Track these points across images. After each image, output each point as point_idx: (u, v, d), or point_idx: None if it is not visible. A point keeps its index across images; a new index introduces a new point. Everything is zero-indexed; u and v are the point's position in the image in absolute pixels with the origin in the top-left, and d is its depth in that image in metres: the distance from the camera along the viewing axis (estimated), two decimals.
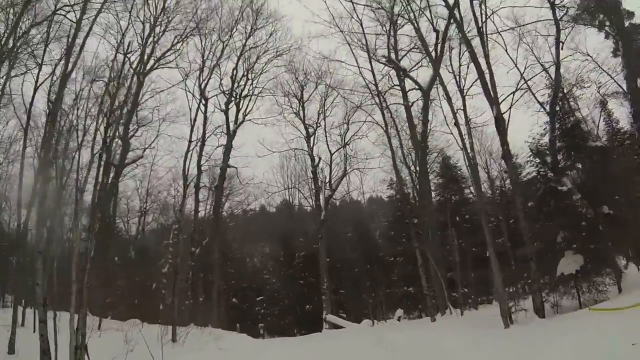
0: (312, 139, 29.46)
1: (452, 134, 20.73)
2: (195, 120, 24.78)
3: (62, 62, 14.28)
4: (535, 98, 18.69)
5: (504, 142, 14.89)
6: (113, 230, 29.13)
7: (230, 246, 37.48)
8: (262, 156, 30.63)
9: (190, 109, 25.27)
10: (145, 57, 22.47)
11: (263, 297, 34.33)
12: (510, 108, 17.06)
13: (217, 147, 27.31)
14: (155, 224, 35.89)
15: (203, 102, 26.36)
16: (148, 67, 23.22)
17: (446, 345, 11.10)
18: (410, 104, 23.81)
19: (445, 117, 24.79)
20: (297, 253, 32.66)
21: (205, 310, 24.73)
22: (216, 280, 26.48)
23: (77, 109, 13.93)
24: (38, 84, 17.62)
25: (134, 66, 21.04)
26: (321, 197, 28.75)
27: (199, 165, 25.66)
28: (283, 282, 33.42)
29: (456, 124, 16.17)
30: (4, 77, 16.29)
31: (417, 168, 23.60)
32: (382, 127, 23.89)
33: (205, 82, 26.60)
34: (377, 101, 23.56)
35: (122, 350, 10.99)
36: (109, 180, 21.86)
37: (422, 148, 22.70)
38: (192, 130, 24.53)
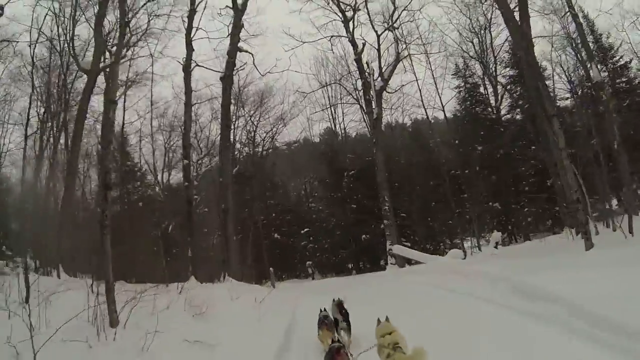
0: (351, 23, 23.45)
1: None
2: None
3: None
4: None
5: None
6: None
7: (270, 178, 32.89)
8: (288, 50, 25.57)
9: None
10: None
11: (309, 228, 29.25)
12: None
13: (227, 36, 20.33)
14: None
15: None
16: None
17: None
18: None
19: None
20: (347, 172, 27.10)
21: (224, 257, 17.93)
22: (229, 208, 18.43)
23: None
24: None
25: None
26: (371, 92, 22.88)
27: (188, 42, 18.80)
28: (332, 209, 28.11)
29: None
30: None
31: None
32: None
33: None
34: None
35: None
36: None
37: None
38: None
